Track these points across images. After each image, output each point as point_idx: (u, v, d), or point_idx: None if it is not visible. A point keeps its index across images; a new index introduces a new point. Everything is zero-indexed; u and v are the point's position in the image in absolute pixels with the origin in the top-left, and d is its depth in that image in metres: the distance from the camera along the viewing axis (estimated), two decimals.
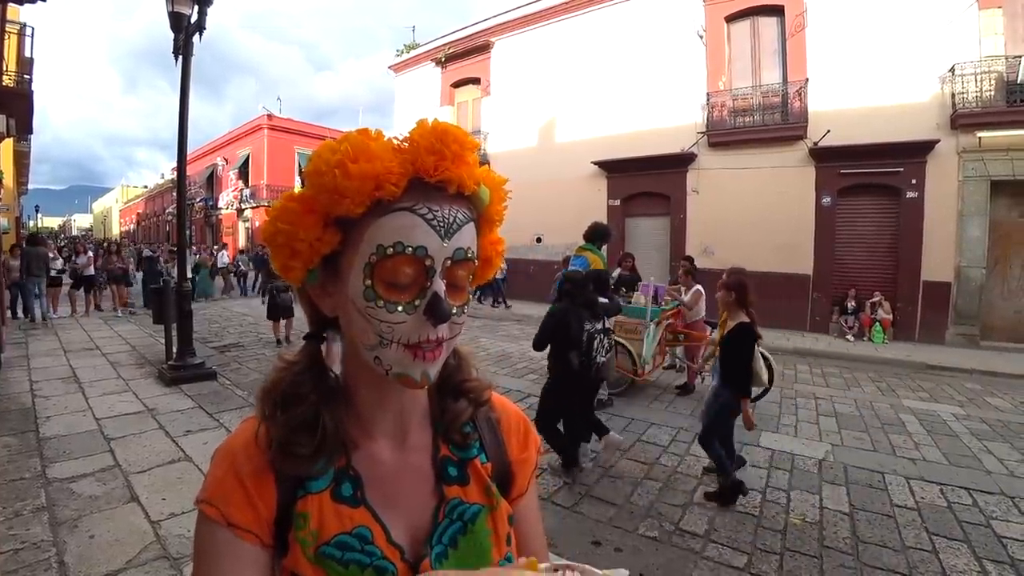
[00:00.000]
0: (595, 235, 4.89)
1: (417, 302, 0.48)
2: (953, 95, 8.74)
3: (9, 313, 9.01)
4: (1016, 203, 8.86)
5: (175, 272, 6.62)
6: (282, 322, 7.69)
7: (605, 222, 5.28)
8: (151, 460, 3.51)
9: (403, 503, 0.55)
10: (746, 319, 3.25)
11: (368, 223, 0.48)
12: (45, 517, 2.74)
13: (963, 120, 8.63)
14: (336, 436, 0.53)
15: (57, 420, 4.22)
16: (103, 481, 3.18)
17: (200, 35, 5.45)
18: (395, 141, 0.49)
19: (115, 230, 57.38)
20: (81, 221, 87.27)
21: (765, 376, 3.40)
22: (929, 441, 4.41)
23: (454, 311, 0.50)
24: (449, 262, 0.49)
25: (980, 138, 8.61)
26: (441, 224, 0.48)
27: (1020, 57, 8.24)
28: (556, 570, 0.52)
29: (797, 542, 2.78)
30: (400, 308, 0.48)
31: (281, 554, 0.51)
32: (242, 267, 16.01)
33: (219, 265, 16.20)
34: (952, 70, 8.73)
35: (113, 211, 62.13)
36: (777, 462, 3.88)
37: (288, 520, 0.51)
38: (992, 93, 8.47)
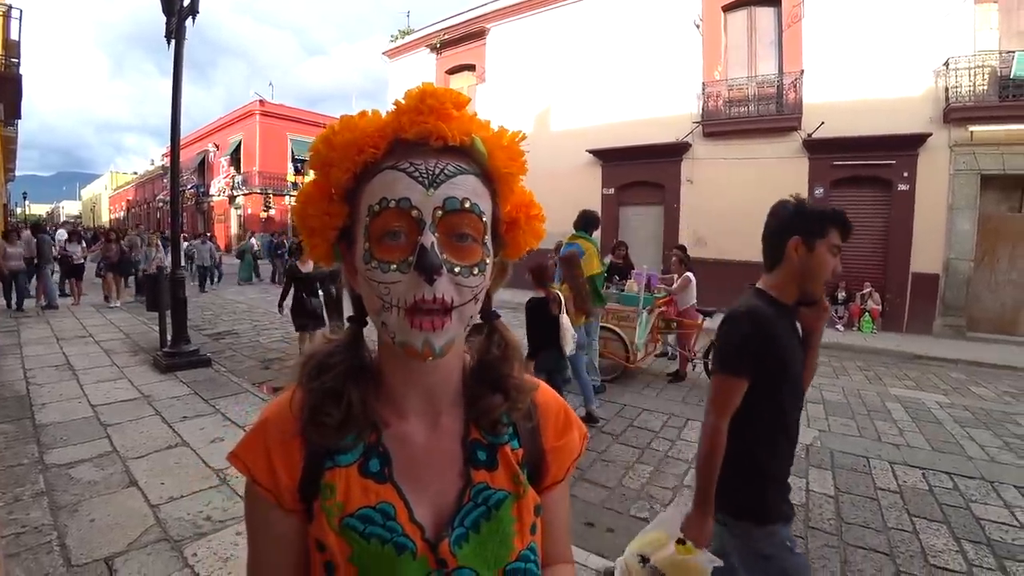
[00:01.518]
0: (586, 223, 4.97)
1: (410, 259, 0.47)
2: (947, 89, 8.80)
3: (3, 302, 8.94)
4: (1005, 197, 8.99)
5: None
6: (313, 332, 5.22)
7: (596, 210, 5.37)
8: (148, 445, 3.53)
9: (430, 483, 0.55)
10: (540, 294, 3.93)
11: (363, 190, 0.50)
12: (45, 502, 2.75)
13: (955, 114, 8.70)
14: (363, 412, 0.54)
15: (53, 407, 4.22)
16: (101, 466, 3.20)
17: (193, 18, 5.37)
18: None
19: (105, 217, 56.66)
20: (69, 208, 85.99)
21: (568, 346, 3.85)
22: (913, 428, 4.52)
23: (457, 270, 0.48)
24: (440, 212, 0.48)
25: (972, 132, 8.70)
26: (424, 176, 0.48)
27: (1014, 52, 8.28)
28: None
29: None
30: (394, 267, 0.47)
31: (309, 521, 0.54)
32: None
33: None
34: (946, 64, 8.78)
35: (102, 198, 61.30)
36: None
37: (315, 488, 0.53)
38: (985, 88, 8.53)
